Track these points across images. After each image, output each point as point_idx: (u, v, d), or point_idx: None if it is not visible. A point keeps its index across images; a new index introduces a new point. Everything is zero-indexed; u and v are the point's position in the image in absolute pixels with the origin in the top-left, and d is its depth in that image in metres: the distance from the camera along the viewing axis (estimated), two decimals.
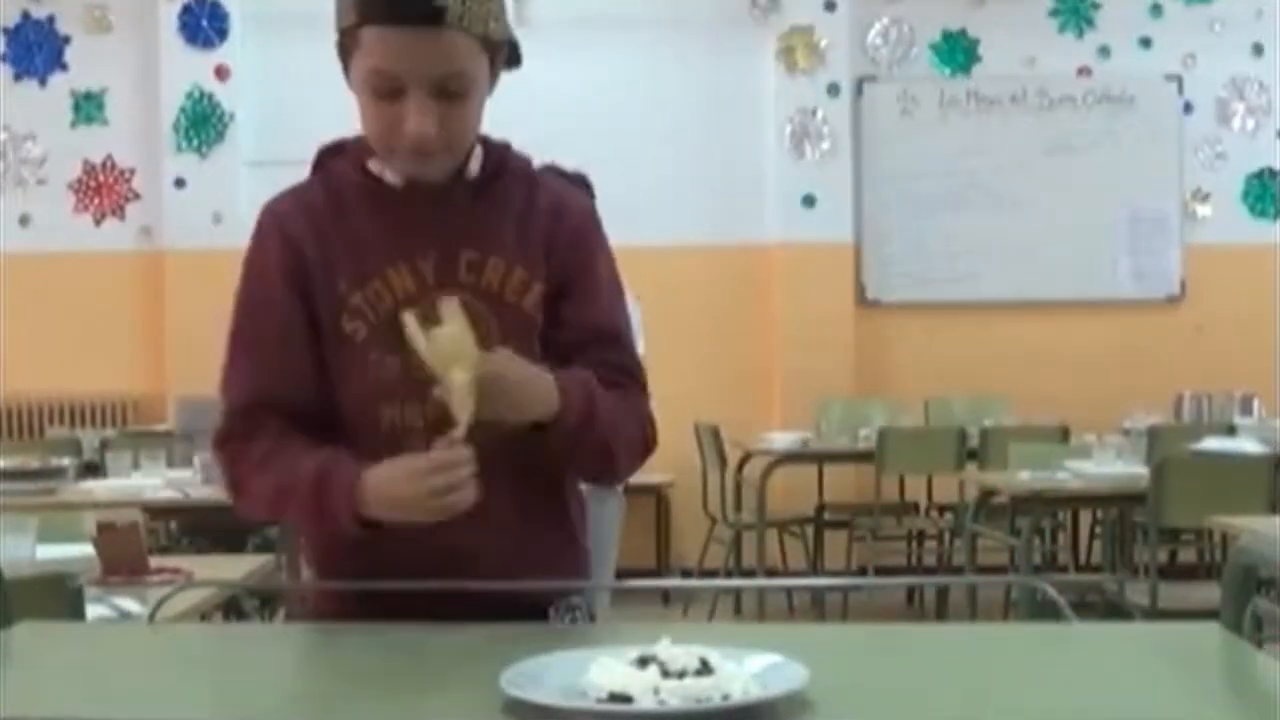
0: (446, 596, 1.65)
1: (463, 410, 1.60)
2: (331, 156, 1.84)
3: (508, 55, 1.77)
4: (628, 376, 1.83)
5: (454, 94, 1.69)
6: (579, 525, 1.86)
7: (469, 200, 1.79)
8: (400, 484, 1.63)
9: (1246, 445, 5.40)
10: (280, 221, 1.80)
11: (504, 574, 1.72)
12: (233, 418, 1.79)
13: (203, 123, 7.82)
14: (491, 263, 1.77)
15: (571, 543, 1.85)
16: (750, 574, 6.72)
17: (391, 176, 1.77)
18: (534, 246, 1.79)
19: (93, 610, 2.59)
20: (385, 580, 1.69)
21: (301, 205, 1.80)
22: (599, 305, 1.83)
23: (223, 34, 7.85)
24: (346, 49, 1.72)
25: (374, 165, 1.78)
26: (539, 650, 1.36)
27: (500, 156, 1.82)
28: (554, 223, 1.82)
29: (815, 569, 7.18)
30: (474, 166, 1.79)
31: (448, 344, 1.62)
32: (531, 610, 1.76)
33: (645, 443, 1.85)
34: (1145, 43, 8.19)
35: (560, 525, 1.84)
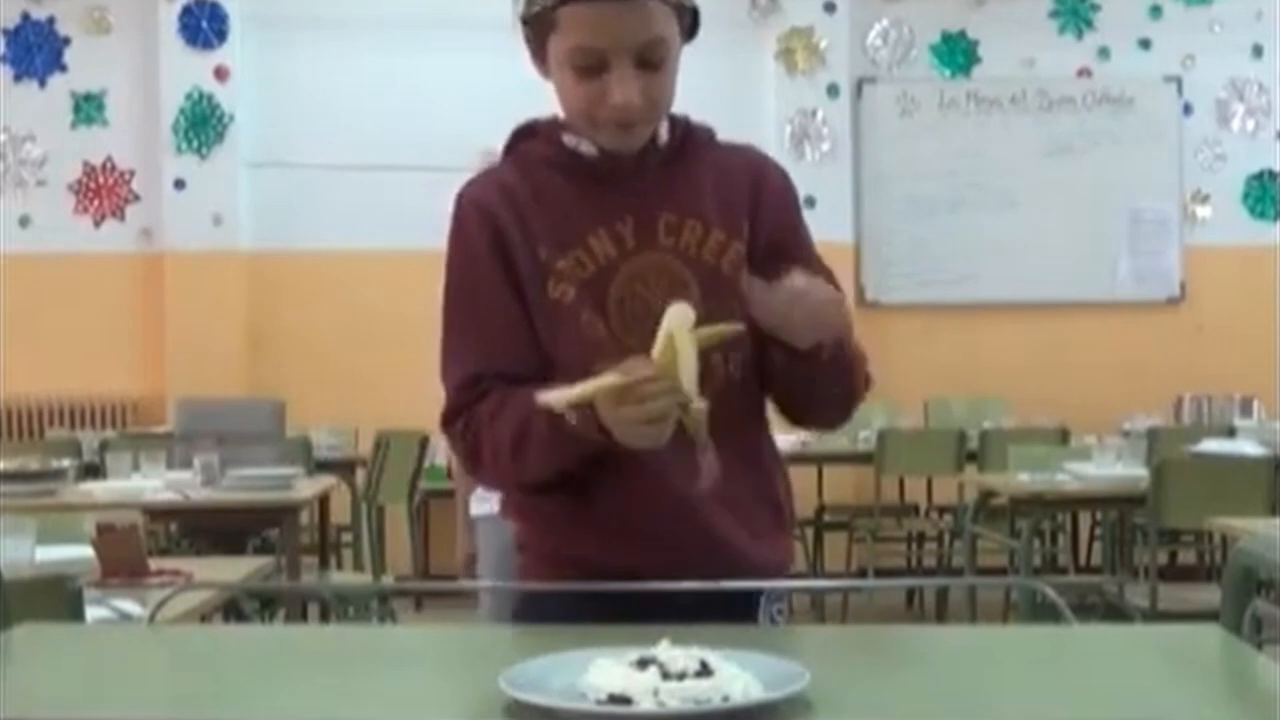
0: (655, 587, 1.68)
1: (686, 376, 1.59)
2: (524, 139, 1.88)
3: (690, 23, 1.80)
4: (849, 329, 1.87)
5: (654, 63, 1.74)
6: (780, 486, 1.89)
7: (662, 166, 1.83)
8: (604, 407, 1.62)
9: (1246, 447, 5.40)
10: (476, 202, 1.83)
11: (722, 541, 1.76)
12: (457, 393, 1.80)
13: (202, 124, 7.82)
14: (689, 224, 1.81)
15: (775, 503, 1.87)
16: None
17: (586, 148, 1.82)
18: (734, 208, 1.84)
19: (92, 612, 2.59)
20: (606, 555, 1.70)
21: (496, 185, 1.84)
22: (808, 263, 1.84)
23: (222, 35, 7.84)
24: (540, 32, 1.77)
25: (568, 140, 1.83)
26: (539, 651, 1.36)
27: (685, 126, 1.87)
28: (757, 184, 1.87)
29: (815, 570, 7.18)
30: (663, 134, 1.84)
31: (675, 317, 1.62)
32: (743, 601, 1.78)
33: (866, 386, 1.89)
34: (1145, 44, 8.19)
35: (766, 486, 1.86)
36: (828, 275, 1.84)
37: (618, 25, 1.72)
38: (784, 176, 1.91)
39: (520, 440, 1.73)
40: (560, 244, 1.79)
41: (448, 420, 1.81)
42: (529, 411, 1.68)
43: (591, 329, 1.77)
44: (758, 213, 1.85)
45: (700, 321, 1.64)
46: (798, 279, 1.68)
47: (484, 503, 3.39)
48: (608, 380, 1.58)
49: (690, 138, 1.87)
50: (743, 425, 1.82)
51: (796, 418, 1.90)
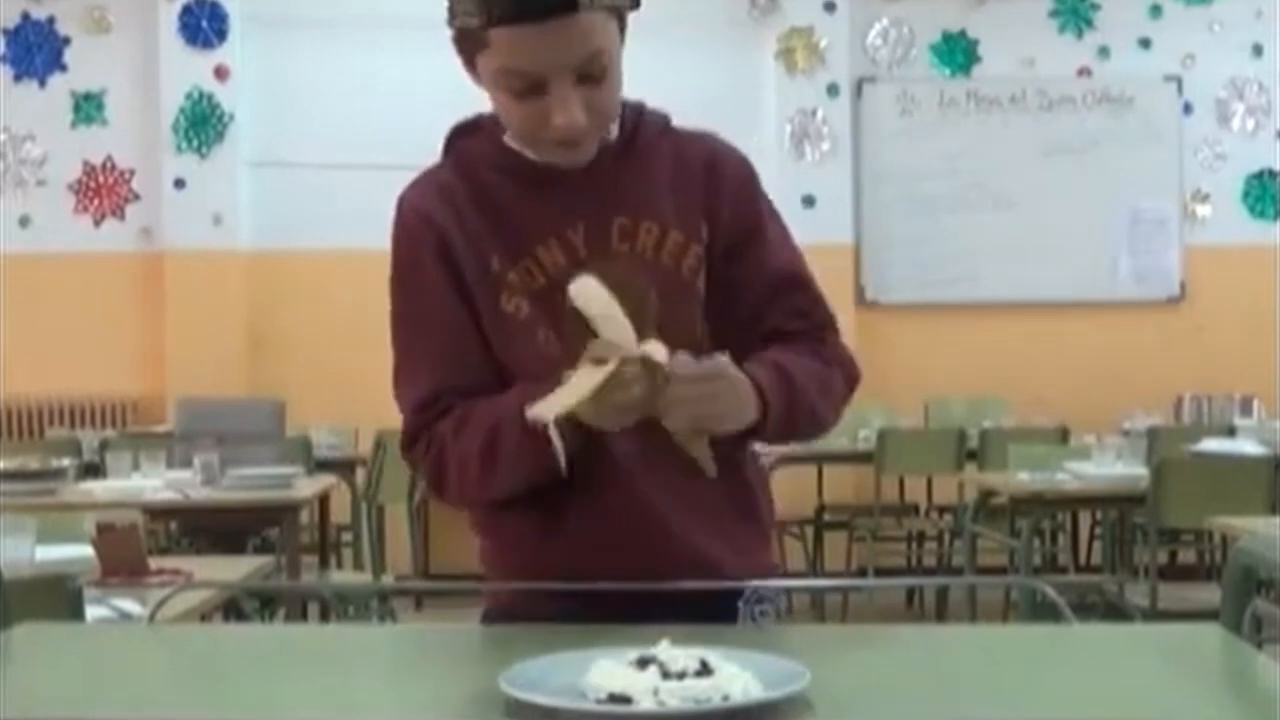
0: (636, 589, 1.61)
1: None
2: (464, 137, 1.77)
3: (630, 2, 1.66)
4: (820, 321, 1.79)
5: (596, 75, 1.61)
6: (762, 500, 1.80)
7: (612, 166, 1.72)
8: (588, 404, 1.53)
9: (1246, 446, 5.40)
10: (417, 209, 1.73)
11: (696, 550, 1.69)
12: (415, 415, 1.70)
13: (202, 123, 7.82)
14: (645, 226, 1.71)
15: (755, 516, 1.79)
16: None
17: (531, 153, 1.71)
18: (691, 207, 1.73)
19: (92, 611, 2.59)
20: (578, 568, 1.63)
21: (437, 189, 1.73)
22: (776, 253, 1.77)
23: (222, 34, 7.84)
24: (469, 49, 1.64)
25: (511, 140, 1.72)
26: (539, 651, 1.36)
27: (636, 117, 1.75)
28: (711, 178, 1.75)
29: (815, 570, 7.18)
30: (612, 130, 1.72)
31: (614, 325, 1.55)
32: (724, 599, 1.71)
33: (849, 386, 1.80)
34: (1145, 43, 8.19)
35: (745, 499, 1.77)
36: (795, 261, 1.78)
37: (553, 46, 1.57)
38: (742, 164, 1.79)
39: (489, 453, 1.64)
40: (509, 254, 1.69)
41: (407, 445, 1.72)
42: (496, 421, 1.62)
43: (548, 346, 1.67)
44: (716, 209, 1.74)
45: (660, 328, 1.57)
46: (677, 388, 1.54)
47: None
48: (591, 379, 1.51)
49: (642, 128, 1.75)
50: (722, 437, 1.66)
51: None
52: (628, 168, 1.73)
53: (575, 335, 1.57)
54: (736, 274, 1.74)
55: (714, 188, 1.75)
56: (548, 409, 1.52)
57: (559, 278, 1.66)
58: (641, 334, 1.56)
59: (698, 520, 1.71)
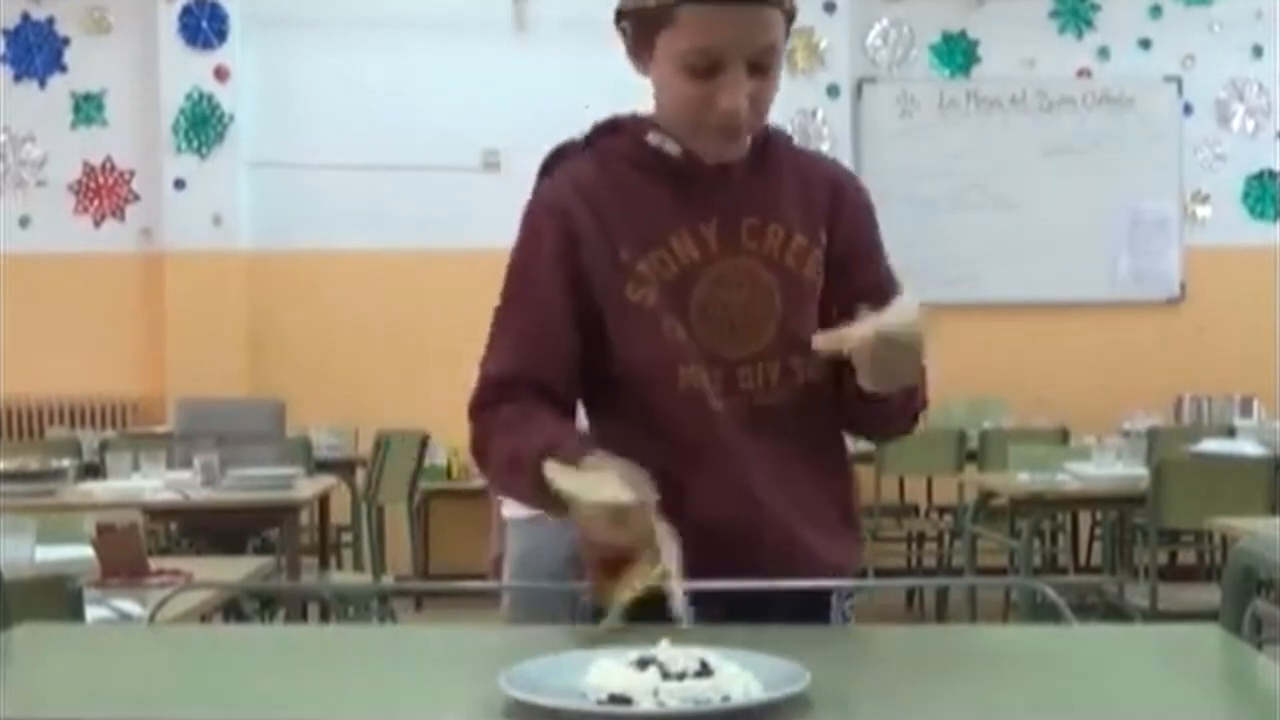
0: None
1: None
2: (606, 135, 1.85)
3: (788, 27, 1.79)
4: None
5: (764, 69, 1.72)
6: (853, 493, 1.93)
7: (746, 170, 1.81)
8: (583, 498, 1.62)
9: (1246, 447, 5.40)
10: (550, 205, 1.80)
11: (803, 544, 1.78)
12: (486, 388, 1.79)
13: (202, 124, 7.82)
14: (771, 229, 1.79)
15: (850, 518, 1.92)
16: None
17: (671, 148, 1.79)
18: (814, 216, 1.82)
19: (92, 612, 2.59)
20: (689, 558, 1.64)
21: (572, 181, 1.81)
22: (882, 269, 1.88)
23: (222, 35, 7.84)
24: (648, 27, 1.73)
25: (653, 138, 1.80)
26: (539, 651, 1.36)
27: (764, 131, 1.84)
28: (835, 195, 1.85)
29: None
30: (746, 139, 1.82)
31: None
32: (818, 595, 1.80)
33: (924, 405, 1.93)
34: (1145, 44, 8.19)
35: (842, 491, 1.90)
36: (891, 280, 1.87)
37: (738, 29, 1.69)
38: (863, 190, 1.90)
39: (512, 472, 1.73)
40: (641, 244, 1.76)
41: (472, 411, 1.80)
42: (529, 451, 1.68)
43: (673, 335, 1.75)
44: (836, 224, 1.84)
45: (780, 326, 1.72)
46: (873, 325, 1.64)
47: (517, 505, 3.37)
48: (608, 495, 1.57)
49: (770, 141, 1.85)
50: (818, 427, 1.83)
51: (854, 431, 1.94)
52: (758, 175, 1.82)
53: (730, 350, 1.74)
54: (847, 278, 1.83)
55: (836, 204, 1.85)
56: (559, 477, 1.60)
57: (691, 270, 1.76)
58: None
59: (798, 510, 1.80)
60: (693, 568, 1.62)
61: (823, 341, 1.66)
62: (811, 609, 1.78)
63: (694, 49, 1.69)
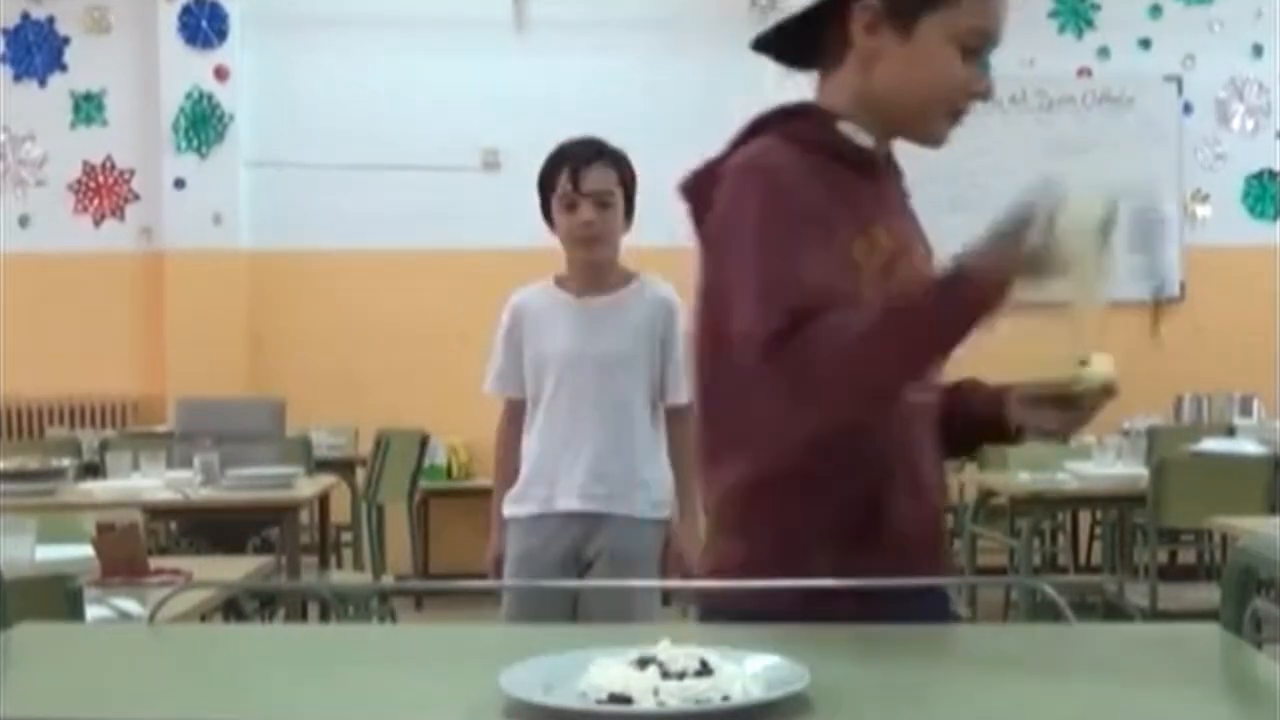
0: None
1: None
2: (793, 118, 1.83)
3: None
4: None
5: (987, 62, 1.78)
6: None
7: (894, 172, 1.91)
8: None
9: (1246, 446, 5.40)
10: (780, 167, 1.73)
11: (937, 548, 1.84)
12: (787, 314, 1.58)
13: (202, 123, 7.82)
14: (916, 230, 1.92)
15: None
16: None
17: (864, 139, 1.82)
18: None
19: (92, 611, 2.59)
20: (876, 571, 1.63)
21: (787, 157, 1.75)
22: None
23: (222, 35, 7.85)
24: (921, 4, 1.74)
25: (844, 127, 1.82)
26: (539, 650, 1.36)
27: None
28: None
29: None
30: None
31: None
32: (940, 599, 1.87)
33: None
34: (1145, 43, 8.19)
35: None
36: None
37: (1003, 20, 1.75)
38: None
39: (888, 320, 1.60)
40: (852, 229, 1.74)
41: (775, 339, 1.58)
42: (903, 298, 1.65)
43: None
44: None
45: None
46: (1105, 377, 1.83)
47: (517, 504, 3.36)
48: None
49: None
50: (934, 443, 1.87)
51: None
52: (897, 174, 1.93)
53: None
54: None
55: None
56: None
57: (889, 261, 1.76)
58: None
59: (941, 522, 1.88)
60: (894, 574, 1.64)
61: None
62: (937, 612, 1.83)
63: (975, 30, 1.74)
